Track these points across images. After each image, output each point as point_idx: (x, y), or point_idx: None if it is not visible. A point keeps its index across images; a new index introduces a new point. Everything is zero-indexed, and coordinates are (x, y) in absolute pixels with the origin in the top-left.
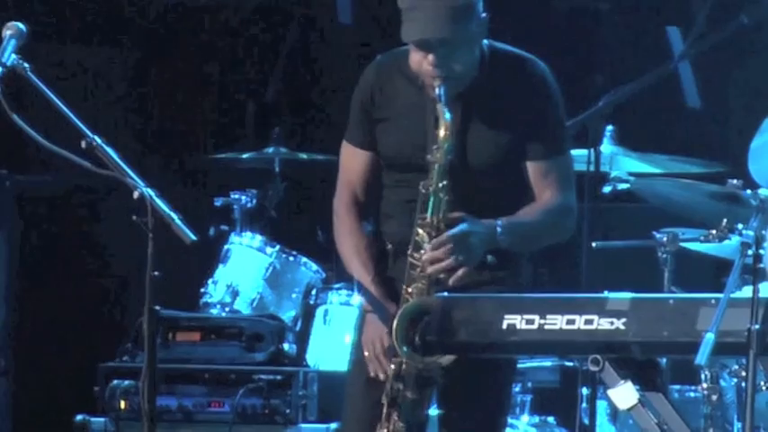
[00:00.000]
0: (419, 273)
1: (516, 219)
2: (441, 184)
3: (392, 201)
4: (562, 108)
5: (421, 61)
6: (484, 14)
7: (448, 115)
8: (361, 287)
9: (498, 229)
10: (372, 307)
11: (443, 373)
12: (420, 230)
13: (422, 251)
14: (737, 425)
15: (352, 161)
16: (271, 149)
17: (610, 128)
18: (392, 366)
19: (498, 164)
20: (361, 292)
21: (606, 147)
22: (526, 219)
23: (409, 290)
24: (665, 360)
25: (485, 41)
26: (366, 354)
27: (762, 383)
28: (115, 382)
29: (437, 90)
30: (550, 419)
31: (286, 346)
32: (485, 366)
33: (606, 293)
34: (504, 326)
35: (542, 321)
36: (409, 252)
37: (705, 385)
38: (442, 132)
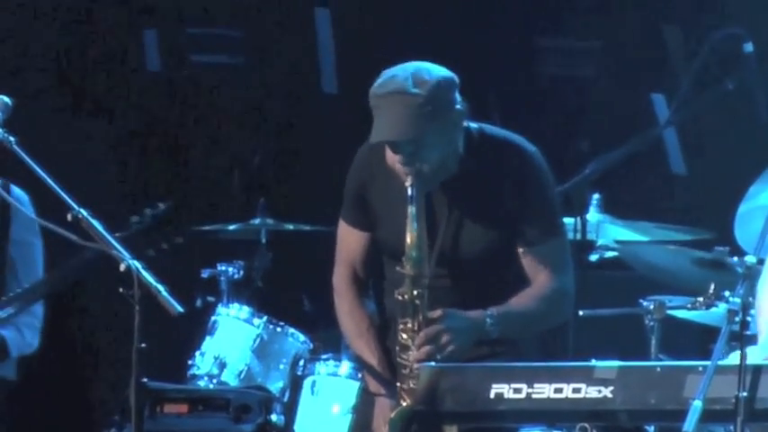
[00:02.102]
0: (409, 373)
1: (509, 308)
2: (415, 293)
3: (390, 279)
4: (553, 191)
5: (394, 159)
6: (459, 106)
7: (415, 225)
8: (365, 368)
9: (488, 321)
10: (380, 390)
11: None
12: (403, 335)
13: (409, 352)
14: None
15: (350, 241)
16: (257, 220)
17: (596, 196)
18: None
19: (491, 252)
20: (366, 373)
21: (592, 215)
22: (519, 308)
23: (404, 386)
24: (652, 428)
25: (473, 126)
26: None
27: None
28: None
29: (409, 190)
30: None
31: (274, 417)
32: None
33: (593, 361)
34: (492, 395)
35: (530, 390)
36: (397, 353)
37: None
38: (408, 240)
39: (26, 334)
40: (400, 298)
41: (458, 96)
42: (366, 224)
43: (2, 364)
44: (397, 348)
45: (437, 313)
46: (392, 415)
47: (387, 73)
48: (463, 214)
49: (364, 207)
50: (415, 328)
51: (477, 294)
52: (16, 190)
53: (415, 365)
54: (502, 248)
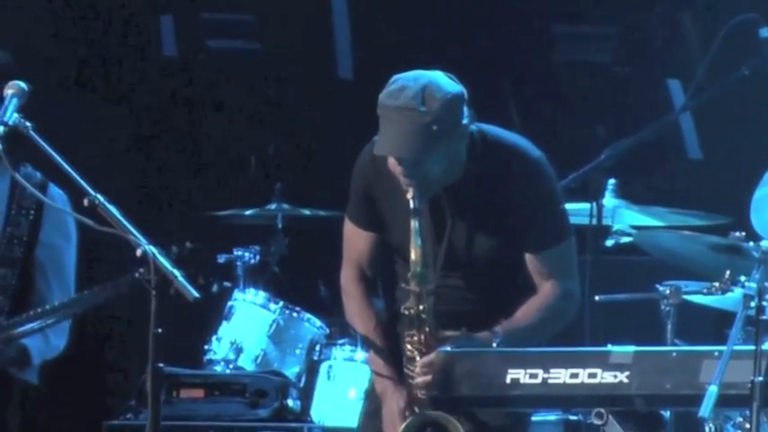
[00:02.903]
0: (414, 383)
1: (515, 325)
2: (421, 307)
3: (400, 273)
4: (558, 195)
5: (396, 168)
6: (465, 120)
7: (419, 240)
8: (375, 365)
9: (495, 343)
10: (389, 390)
11: None
12: (409, 346)
13: (415, 363)
14: None
15: (357, 241)
16: (273, 205)
17: (612, 181)
18: None
19: (497, 255)
20: (375, 371)
21: (608, 200)
22: (525, 323)
23: (412, 395)
24: (668, 413)
25: (474, 128)
26: None
27: None
28: None
29: (411, 203)
30: None
31: (290, 402)
32: (495, 428)
33: (609, 347)
34: (508, 380)
35: (546, 375)
36: (404, 364)
37: None
38: (413, 257)
39: (51, 338)
40: (406, 312)
41: (465, 110)
42: (373, 224)
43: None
44: (404, 359)
45: (446, 336)
46: (404, 426)
47: (398, 80)
48: (468, 219)
49: (370, 207)
50: (422, 340)
51: (486, 296)
52: (54, 189)
53: (421, 385)
54: (508, 252)
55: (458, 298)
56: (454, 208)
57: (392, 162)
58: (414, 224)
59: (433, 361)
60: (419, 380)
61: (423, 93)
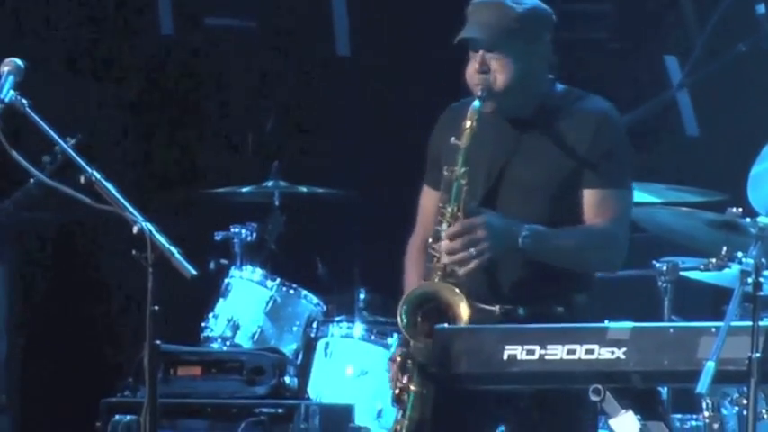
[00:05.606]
0: (436, 263)
1: (549, 230)
2: (463, 170)
3: None
4: (627, 147)
5: (472, 74)
6: (546, 40)
7: (477, 103)
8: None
9: (524, 233)
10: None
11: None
12: (441, 220)
13: (441, 243)
14: None
15: (427, 201)
16: (270, 183)
17: None
18: (398, 358)
19: (551, 187)
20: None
21: None
22: (560, 234)
23: (428, 278)
24: (665, 389)
25: (559, 85)
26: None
27: (763, 411)
28: (117, 417)
29: (478, 92)
30: None
31: (287, 380)
32: (562, 408)
33: (607, 323)
34: (505, 356)
35: (543, 351)
36: (429, 242)
37: (706, 414)
38: (468, 123)
39: None
40: (447, 174)
41: (548, 35)
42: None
43: None
44: (430, 240)
45: (476, 208)
46: (405, 295)
47: None
48: (529, 148)
49: (440, 166)
50: (454, 212)
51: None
52: None
53: (445, 259)
54: (563, 189)
55: None
56: (517, 140)
57: (468, 70)
58: (475, 104)
59: (468, 224)
60: (443, 246)
61: None
